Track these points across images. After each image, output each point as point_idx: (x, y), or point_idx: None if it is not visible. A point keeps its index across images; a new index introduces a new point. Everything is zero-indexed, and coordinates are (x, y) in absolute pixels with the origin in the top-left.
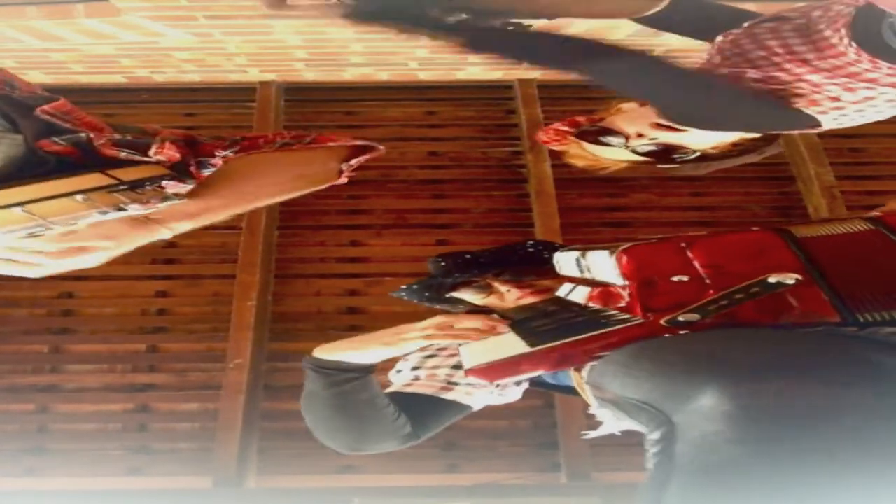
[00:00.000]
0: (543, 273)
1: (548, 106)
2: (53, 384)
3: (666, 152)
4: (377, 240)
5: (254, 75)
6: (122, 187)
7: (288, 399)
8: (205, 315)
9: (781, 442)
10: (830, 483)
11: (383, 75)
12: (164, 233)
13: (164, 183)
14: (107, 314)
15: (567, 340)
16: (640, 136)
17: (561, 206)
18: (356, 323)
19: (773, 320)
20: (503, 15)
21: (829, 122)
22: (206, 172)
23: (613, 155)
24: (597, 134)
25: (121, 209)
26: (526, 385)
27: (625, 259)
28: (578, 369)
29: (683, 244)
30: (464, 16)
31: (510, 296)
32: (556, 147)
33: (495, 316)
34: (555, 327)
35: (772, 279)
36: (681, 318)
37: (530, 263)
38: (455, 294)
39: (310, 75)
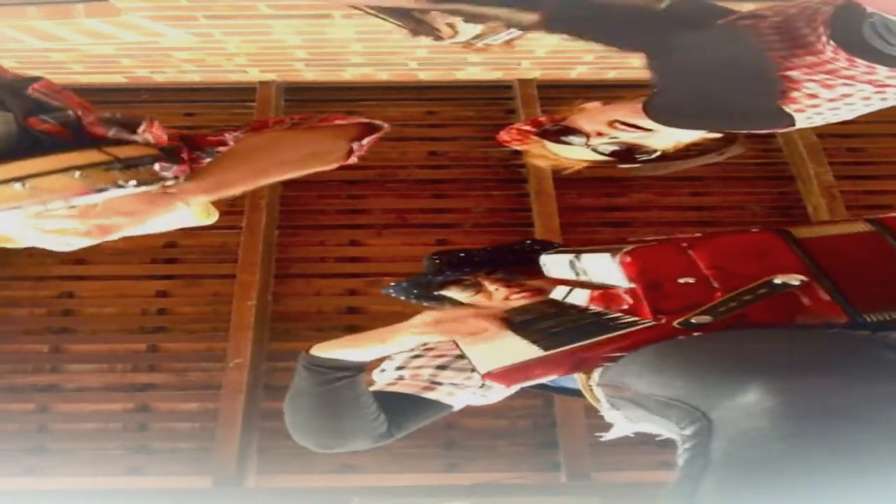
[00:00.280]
0: (534, 273)
1: (547, 106)
2: (53, 384)
3: (628, 152)
4: (377, 239)
5: (254, 75)
6: (117, 164)
7: None
8: (205, 315)
9: (827, 438)
10: (867, 480)
11: (383, 75)
12: (181, 207)
13: (155, 166)
14: (107, 314)
15: (582, 343)
16: (599, 134)
17: (560, 205)
18: (356, 323)
19: (784, 321)
20: None
21: (802, 121)
22: (207, 160)
23: (575, 154)
24: (558, 133)
25: (120, 186)
26: (517, 387)
27: (629, 261)
28: (588, 372)
29: (685, 245)
30: None
31: (497, 294)
32: (517, 147)
33: (483, 312)
34: (564, 330)
35: (777, 280)
36: (693, 321)
37: (525, 263)
38: (443, 292)
39: (310, 75)
